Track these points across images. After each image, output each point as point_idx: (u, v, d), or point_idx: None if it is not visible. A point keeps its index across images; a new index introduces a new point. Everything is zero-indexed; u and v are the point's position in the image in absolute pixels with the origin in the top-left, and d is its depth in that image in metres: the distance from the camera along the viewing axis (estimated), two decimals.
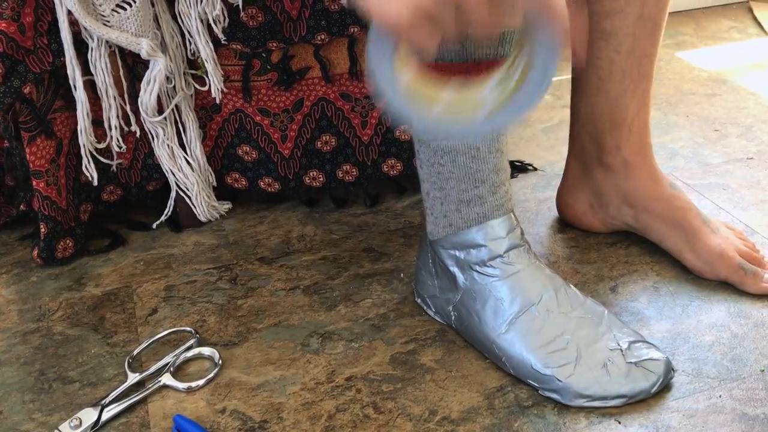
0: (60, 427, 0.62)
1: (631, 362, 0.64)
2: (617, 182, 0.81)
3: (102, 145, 0.81)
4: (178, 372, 0.68)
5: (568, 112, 0.85)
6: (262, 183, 0.89)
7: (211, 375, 0.67)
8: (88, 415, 0.63)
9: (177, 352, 0.69)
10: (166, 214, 0.88)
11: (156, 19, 0.77)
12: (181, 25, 0.79)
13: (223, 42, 0.79)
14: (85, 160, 0.80)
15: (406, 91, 0.49)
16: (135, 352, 0.69)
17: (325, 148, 0.88)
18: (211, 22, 0.77)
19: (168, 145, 0.83)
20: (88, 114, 0.78)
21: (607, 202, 0.83)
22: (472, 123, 0.50)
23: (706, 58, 1.35)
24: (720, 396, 0.65)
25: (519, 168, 1.01)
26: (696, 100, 1.20)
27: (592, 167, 0.83)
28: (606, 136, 0.80)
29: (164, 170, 0.84)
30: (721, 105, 1.19)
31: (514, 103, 0.49)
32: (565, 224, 0.89)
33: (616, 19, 0.74)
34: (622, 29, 0.75)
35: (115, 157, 0.83)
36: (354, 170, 0.89)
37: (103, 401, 0.64)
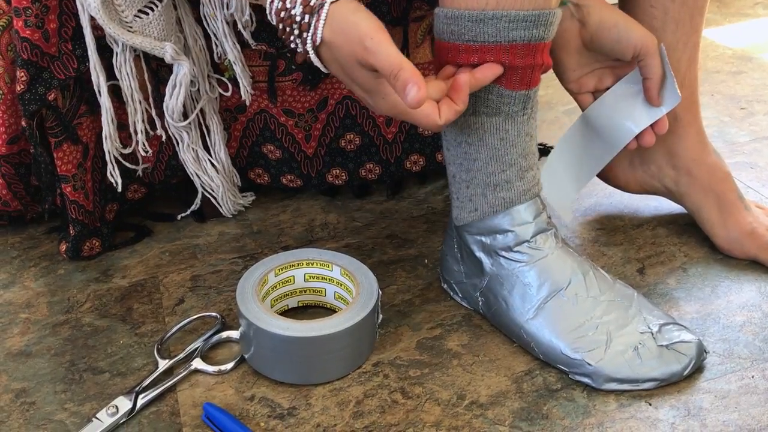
0: (98, 415, 0.62)
1: (662, 345, 0.64)
2: (665, 139, 0.79)
3: (127, 150, 0.80)
4: (207, 357, 0.69)
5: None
6: (284, 179, 0.89)
7: (240, 357, 0.68)
8: (124, 403, 0.63)
9: (205, 336, 0.70)
10: (193, 209, 0.88)
11: (179, 22, 0.77)
12: (206, 28, 0.78)
13: (252, 46, 0.79)
14: (109, 167, 0.79)
15: None
16: (165, 337, 0.70)
17: (348, 147, 0.87)
18: (240, 27, 0.76)
19: (193, 149, 0.82)
20: (112, 120, 0.77)
21: (650, 160, 0.81)
22: None
23: (730, 36, 1.33)
24: (753, 376, 0.64)
25: (542, 151, 1.00)
26: (721, 78, 1.18)
27: None
28: None
29: (189, 173, 0.84)
30: (746, 83, 1.17)
31: None
32: (589, 206, 0.88)
33: None
34: None
35: (141, 162, 0.83)
36: (377, 168, 0.89)
37: (137, 388, 0.64)
